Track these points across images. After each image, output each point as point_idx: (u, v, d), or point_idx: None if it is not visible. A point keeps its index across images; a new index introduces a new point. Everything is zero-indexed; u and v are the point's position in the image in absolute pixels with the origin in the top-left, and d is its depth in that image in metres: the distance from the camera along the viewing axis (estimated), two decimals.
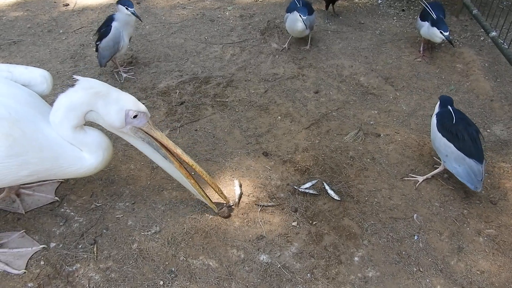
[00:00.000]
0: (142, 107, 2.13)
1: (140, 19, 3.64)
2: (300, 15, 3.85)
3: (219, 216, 2.52)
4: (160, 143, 2.23)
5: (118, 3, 3.51)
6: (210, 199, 2.51)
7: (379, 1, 5.32)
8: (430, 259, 2.34)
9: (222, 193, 2.53)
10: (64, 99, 2.02)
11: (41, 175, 2.08)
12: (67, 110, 2.02)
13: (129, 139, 2.26)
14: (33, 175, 2.05)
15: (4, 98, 2.00)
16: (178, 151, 2.28)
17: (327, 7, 4.83)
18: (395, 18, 4.96)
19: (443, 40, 3.71)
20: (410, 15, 4.98)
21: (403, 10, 5.10)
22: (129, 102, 2.09)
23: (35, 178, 2.08)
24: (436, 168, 2.84)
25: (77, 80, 2.03)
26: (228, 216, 2.52)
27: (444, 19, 3.80)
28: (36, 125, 1.99)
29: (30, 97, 2.14)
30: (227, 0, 5.42)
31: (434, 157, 2.97)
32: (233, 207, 2.59)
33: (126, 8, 3.47)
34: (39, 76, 2.31)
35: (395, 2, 5.29)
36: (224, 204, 2.57)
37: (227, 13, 5.08)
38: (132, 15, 3.50)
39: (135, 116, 2.10)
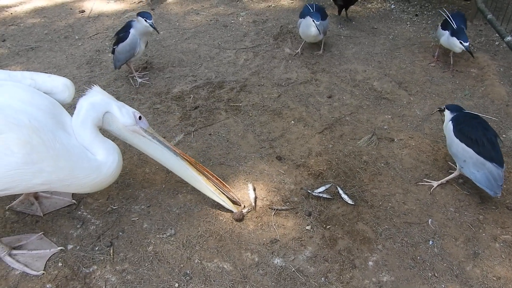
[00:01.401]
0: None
1: (157, 31, 3.74)
2: (313, 20, 3.87)
3: (233, 219, 2.54)
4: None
5: (138, 15, 3.64)
6: (227, 196, 2.56)
7: (392, 6, 5.32)
8: (445, 264, 2.33)
9: (229, 192, 2.61)
10: (85, 101, 2.20)
11: (54, 185, 2.09)
12: (89, 109, 2.19)
13: (138, 140, 2.41)
14: (46, 184, 2.07)
15: (25, 105, 2.03)
16: (178, 151, 2.49)
17: (339, 12, 4.84)
18: (408, 23, 4.95)
19: (463, 50, 3.67)
20: (423, 20, 4.97)
21: (416, 15, 5.10)
22: (130, 107, 2.36)
23: (47, 187, 2.10)
24: (451, 173, 2.83)
25: (92, 86, 2.27)
26: (242, 219, 2.54)
27: (465, 29, 3.75)
28: (55, 134, 2.02)
29: (52, 106, 2.18)
30: (240, 6, 5.47)
31: (449, 162, 2.96)
32: (248, 211, 2.60)
33: (145, 20, 3.59)
34: (61, 85, 2.36)
35: (408, 7, 5.29)
36: (241, 207, 2.60)
37: (240, 19, 5.12)
38: (150, 27, 3.60)
39: (140, 118, 2.34)
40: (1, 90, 2.07)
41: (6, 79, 2.24)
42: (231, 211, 2.57)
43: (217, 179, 2.59)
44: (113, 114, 2.26)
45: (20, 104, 2.01)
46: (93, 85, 2.31)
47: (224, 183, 2.62)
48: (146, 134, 2.39)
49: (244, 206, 2.61)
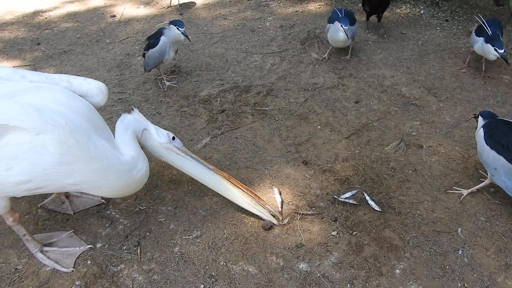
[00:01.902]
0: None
1: (189, 40, 3.79)
2: (342, 25, 3.85)
3: (262, 228, 2.53)
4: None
5: (170, 23, 3.71)
6: (263, 207, 2.57)
7: (422, 12, 5.25)
8: (475, 275, 2.27)
9: (265, 206, 2.61)
10: (130, 115, 2.45)
11: (85, 186, 2.14)
12: (132, 120, 2.42)
13: (172, 157, 2.56)
14: (78, 185, 2.12)
15: (62, 107, 2.09)
16: (212, 167, 2.60)
17: (368, 18, 4.80)
18: (438, 28, 4.87)
19: (497, 57, 3.56)
20: (454, 26, 4.89)
21: (446, 21, 5.01)
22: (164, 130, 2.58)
23: (79, 188, 2.15)
24: (482, 181, 2.76)
25: (133, 109, 2.52)
26: (270, 228, 2.53)
27: (501, 36, 3.64)
28: (89, 136, 2.07)
29: (87, 109, 2.24)
30: (267, 11, 5.50)
31: (480, 171, 2.89)
32: (279, 218, 2.60)
33: (177, 28, 3.64)
34: (95, 88, 2.44)
35: (438, 12, 5.20)
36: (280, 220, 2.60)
37: (267, 24, 5.15)
38: (182, 35, 3.65)
39: (173, 138, 2.54)
40: (40, 92, 2.14)
41: (44, 81, 2.32)
42: (259, 217, 2.57)
43: (252, 192, 2.60)
44: (150, 132, 2.48)
45: (58, 106, 2.07)
46: (133, 108, 2.52)
47: (260, 197, 2.63)
48: (180, 152, 2.54)
49: (283, 219, 2.60)
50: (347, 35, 3.89)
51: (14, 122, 1.87)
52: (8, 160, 1.93)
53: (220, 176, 2.57)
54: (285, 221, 2.58)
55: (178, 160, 2.56)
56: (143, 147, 2.49)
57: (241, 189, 2.58)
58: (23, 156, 1.93)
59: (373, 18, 4.75)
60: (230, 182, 2.57)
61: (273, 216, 2.58)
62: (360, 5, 5.54)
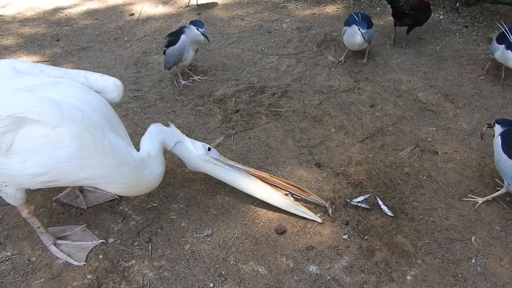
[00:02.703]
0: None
1: (208, 40, 3.80)
2: (359, 28, 3.84)
3: (275, 231, 2.52)
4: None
5: (190, 23, 3.73)
6: (305, 208, 2.60)
7: (441, 17, 5.19)
8: (488, 285, 2.23)
9: (310, 196, 2.66)
10: (170, 128, 2.54)
11: (98, 180, 2.16)
12: (168, 131, 2.49)
13: (211, 168, 2.58)
14: (90, 179, 2.15)
15: (79, 102, 2.12)
16: (251, 170, 2.62)
17: (408, 31, 4.51)
18: (457, 34, 4.82)
19: None
20: (473, 32, 4.82)
21: (466, 27, 4.95)
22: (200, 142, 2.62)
23: (91, 182, 2.17)
24: (498, 190, 2.71)
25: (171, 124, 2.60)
26: (284, 232, 2.52)
27: None
28: (104, 132, 2.10)
29: (102, 105, 2.26)
30: (285, 12, 5.50)
31: (496, 179, 2.84)
32: (326, 206, 2.65)
33: (197, 29, 3.67)
34: (111, 84, 2.46)
35: (458, 18, 5.14)
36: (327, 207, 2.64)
37: (284, 25, 5.15)
38: (201, 35, 3.68)
39: (209, 149, 2.57)
40: (58, 87, 2.17)
41: (62, 76, 2.35)
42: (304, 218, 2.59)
43: (294, 186, 2.65)
44: (186, 145, 2.52)
45: (75, 101, 2.10)
46: (170, 123, 2.60)
47: (303, 189, 2.67)
48: (217, 162, 2.57)
49: (329, 206, 2.63)
50: (364, 38, 3.87)
51: (32, 115, 1.90)
52: (25, 153, 1.97)
53: (259, 181, 2.58)
54: (330, 210, 2.62)
55: (216, 170, 2.59)
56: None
57: (284, 185, 2.63)
58: (39, 149, 1.97)
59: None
60: (271, 185, 2.61)
61: (318, 205, 2.65)
62: (378, 8, 5.51)
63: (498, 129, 2.70)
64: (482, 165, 2.99)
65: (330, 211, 2.61)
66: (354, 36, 3.92)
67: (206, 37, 3.70)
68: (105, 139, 2.08)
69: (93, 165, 2.08)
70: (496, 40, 3.76)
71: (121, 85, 2.52)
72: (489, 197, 2.69)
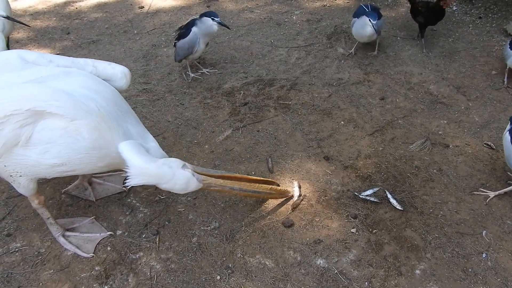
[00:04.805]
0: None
1: (228, 27, 3.75)
2: (370, 20, 3.78)
3: (282, 224, 2.51)
4: (221, 176, 2.34)
5: (203, 15, 3.67)
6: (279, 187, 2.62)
7: (454, 8, 5.09)
8: (499, 280, 2.20)
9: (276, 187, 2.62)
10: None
11: (116, 166, 2.20)
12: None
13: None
14: (109, 166, 2.19)
15: (93, 94, 2.13)
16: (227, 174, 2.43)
17: (421, 31, 4.36)
18: (470, 25, 4.72)
19: None
20: (487, 23, 4.73)
21: (480, 18, 4.85)
22: (178, 163, 2.17)
23: (108, 168, 2.21)
24: (510, 184, 2.66)
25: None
26: (292, 225, 2.50)
27: None
28: (118, 122, 2.12)
29: (113, 94, 2.27)
30: (294, 5, 5.44)
31: (508, 173, 2.79)
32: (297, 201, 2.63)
33: (212, 19, 3.61)
34: (119, 73, 2.45)
35: (471, 9, 5.04)
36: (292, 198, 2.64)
37: (294, 17, 5.10)
38: (219, 25, 3.64)
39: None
40: (69, 77, 2.16)
41: (70, 65, 2.35)
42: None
43: (257, 180, 2.54)
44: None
45: (87, 91, 2.11)
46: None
47: (266, 179, 2.63)
48: (212, 186, 2.28)
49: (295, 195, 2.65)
50: (375, 29, 3.81)
51: (50, 109, 1.92)
52: (44, 144, 1.98)
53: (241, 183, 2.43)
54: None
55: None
56: None
57: (250, 179, 2.52)
58: (59, 140, 1.98)
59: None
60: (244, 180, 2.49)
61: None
62: (390, 0, 5.43)
63: (508, 125, 2.64)
64: (494, 159, 2.94)
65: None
66: (364, 27, 3.87)
67: (224, 25, 3.66)
68: (120, 128, 2.09)
69: (111, 154, 2.10)
70: (509, 45, 3.58)
71: (129, 73, 2.50)
72: (501, 191, 2.64)
